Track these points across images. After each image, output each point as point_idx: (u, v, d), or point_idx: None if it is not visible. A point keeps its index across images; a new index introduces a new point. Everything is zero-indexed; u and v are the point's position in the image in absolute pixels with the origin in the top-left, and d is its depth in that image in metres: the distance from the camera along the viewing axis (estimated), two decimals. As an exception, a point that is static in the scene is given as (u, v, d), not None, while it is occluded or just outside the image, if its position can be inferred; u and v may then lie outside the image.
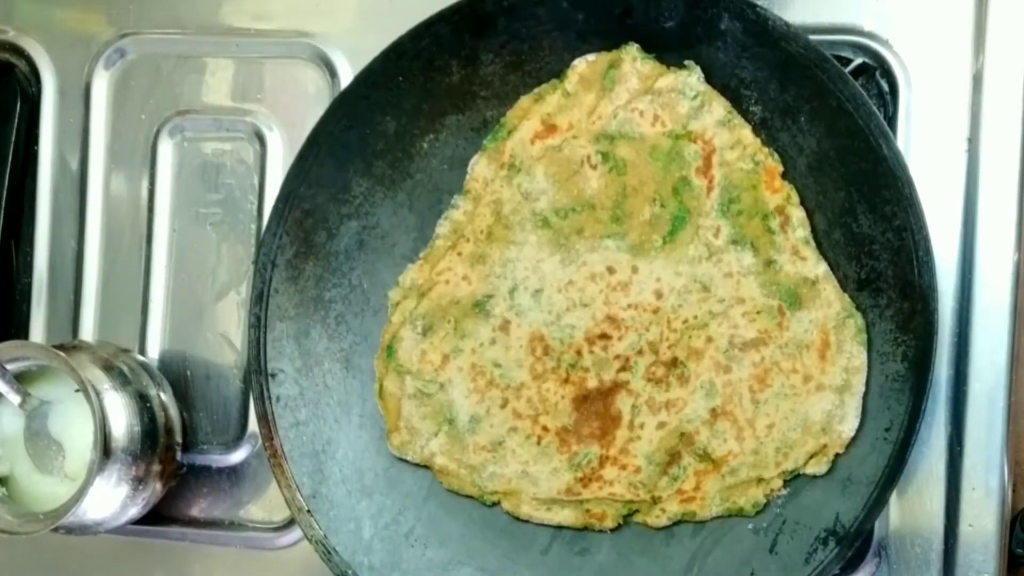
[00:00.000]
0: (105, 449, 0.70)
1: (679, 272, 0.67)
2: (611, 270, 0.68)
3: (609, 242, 0.68)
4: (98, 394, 0.70)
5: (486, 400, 0.69)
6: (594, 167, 0.68)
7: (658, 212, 0.68)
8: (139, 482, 0.72)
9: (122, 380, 0.72)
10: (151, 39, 0.80)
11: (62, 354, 0.70)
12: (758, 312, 0.66)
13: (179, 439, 0.75)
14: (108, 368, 0.72)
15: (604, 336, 0.68)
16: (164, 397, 0.75)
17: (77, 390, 0.70)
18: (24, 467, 0.73)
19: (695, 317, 0.67)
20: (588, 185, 0.68)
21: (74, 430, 0.72)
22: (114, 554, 0.79)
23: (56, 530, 0.70)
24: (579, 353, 0.68)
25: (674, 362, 0.67)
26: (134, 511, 0.74)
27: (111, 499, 0.71)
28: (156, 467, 0.73)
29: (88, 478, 0.69)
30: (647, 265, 0.68)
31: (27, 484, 0.73)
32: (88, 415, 0.70)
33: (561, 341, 0.68)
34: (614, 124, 0.68)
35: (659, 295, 0.67)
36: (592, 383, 0.68)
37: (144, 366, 0.76)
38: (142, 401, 0.73)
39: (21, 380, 0.73)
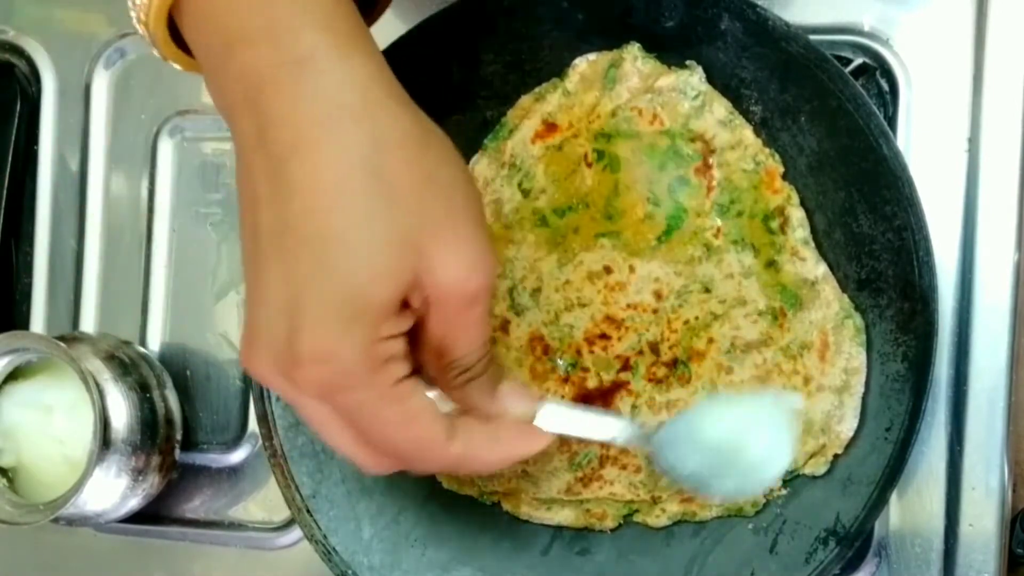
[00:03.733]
0: (105, 440, 0.70)
1: (678, 272, 0.67)
2: (608, 269, 0.68)
3: (604, 240, 0.68)
4: (98, 384, 0.70)
5: (486, 400, 0.69)
6: (590, 165, 0.68)
7: (651, 210, 0.67)
8: (139, 473, 0.72)
9: (122, 371, 0.73)
10: (151, 39, 0.80)
11: (62, 344, 0.70)
12: (759, 313, 0.66)
13: (179, 431, 0.76)
14: (108, 359, 0.72)
15: (604, 336, 0.68)
16: (164, 388, 0.75)
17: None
18: (29, 457, 0.73)
19: (696, 318, 0.67)
20: (584, 183, 0.68)
21: (76, 421, 0.72)
22: (114, 554, 0.79)
23: (56, 521, 0.70)
24: (579, 353, 0.68)
25: (675, 363, 0.67)
26: (134, 503, 0.74)
27: (111, 490, 0.71)
28: (156, 459, 0.73)
29: (88, 468, 0.69)
30: (644, 265, 0.67)
31: (33, 475, 0.73)
32: (89, 405, 0.70)
33: (560, 341, 0.68)
34: (613, 122, 0.68)
35: (659, 295, 0.67)
36: (592, 383, 0.68)
37: (144, 357, 0.76)
38: (142, 392, 0.73)
39: (22, 373, 0.73)
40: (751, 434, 0.57)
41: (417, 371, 0.52)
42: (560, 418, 0.57)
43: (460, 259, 0.49)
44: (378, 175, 0.48)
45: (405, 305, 0.49)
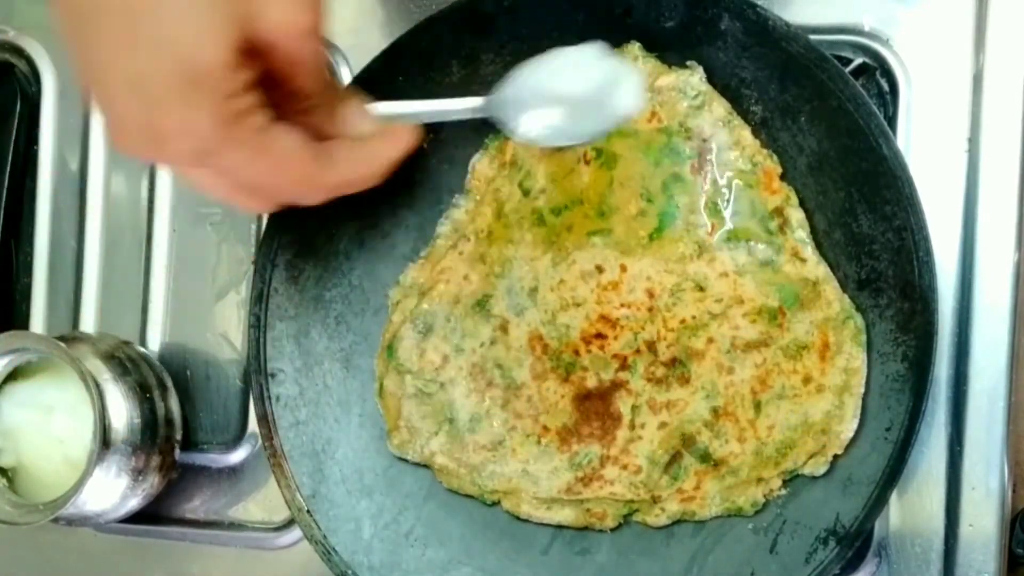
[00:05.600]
0: (104, 440, 0.70)
1: (669, 270, 0.67)
2: (600, 268, 0.68)
3: (596, 239, 0.68)
4: (98, 384, 0.70)
5: (486, 399, 0.69)
6: (587, 163, 0.68)
7: (644, 207, 0.67)
8: (139, 474, 0.72)
9: (122, 371, 0.72)
10: (151, 39, 0.80)
11: (61, 344, 0.70)
12: (758, 312, 0.66)
13: (179, 431, 0.76)
14: (108, 359, 0.72)
15: (600, 336, 0.68)
16: (164, 388, 0.75)
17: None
18: (29, 457, 0.73)
19: (693, 317, 0.67)
20: (580, 181, 0.68)
21: (77, 421, 0.72)
22: (114, 554, 0.79)
23: (56, 521, 0.70)
24: (577, 352, 0.68)
25: (674, 362, 0.67)
26: (134, 503, 0.74)
27: (111, 490, 0.71)
28: (156, 459, 0.73)
29: (87, 468, 0.69)
30: (635, 263, 0.67)
31: (33, 475, 0.73)
32: (89, 405, 0.70)
33: (559, 340, 0.68)
34: (611, 121, 0.68)
35: (651, 294, 0.67)
36: (591, 382, 0.68)
37: (144, 357, 0.76)
38: (142, 392, 0.73)
39: (22, 373, 0.73)
40: (597, 77, 0.64)
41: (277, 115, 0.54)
42: (400, 108, 0.62)
43: (291, 2, 0.51)
44: None
45: (251, 55, 0.50)
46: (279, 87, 0.53)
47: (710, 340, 0.66)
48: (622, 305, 0.67)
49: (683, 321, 0.67)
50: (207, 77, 0.48)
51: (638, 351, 0.67)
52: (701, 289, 0.67)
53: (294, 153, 0.54)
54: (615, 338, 0.67)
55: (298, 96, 0.55)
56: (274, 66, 0.52)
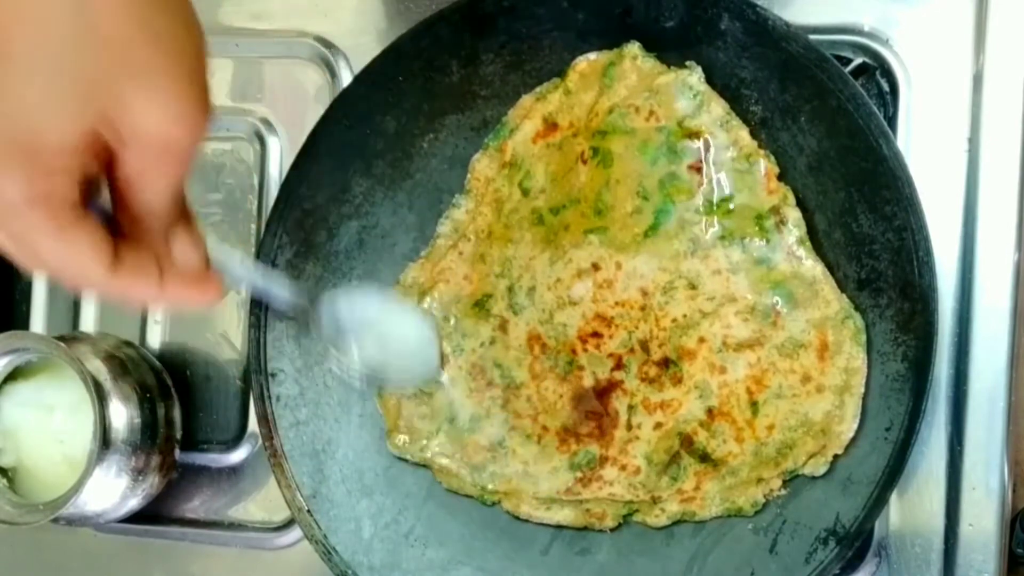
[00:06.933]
0: (104, 440, 0.70)
1: (663, 268, 0.67)
2: (596, 267, 0.68)
3: (592, 237, 0.68)
4: (98, 384, 0.70)
5: (486, 399, 0.69)
6: (585, 162, 0.68)
7: (640, 205, 0.67)
8: (139, 473, 0.72)
9: (122, 371, 0.72)
10: (151, 39, 0.79)
11: (61, 344, 0.70)
12: (751, 311, 0.66)
13: (179, 431, 0.76)
14: (108, 359, 0.72)
15: (596, 334, 0.68)
16: (164, 388, 0.75)
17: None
18: (29, 458, 0.73)
19: (684, 316, 0.67)
20: (578, 180, 0.68)
21: (77, 421, 0.72)
22: (114, 553, 0.79)
23: (56, 521, 0.70)
24: (574, 351, 0.68)
25: (666, 362, 0.67)
26: (134, 503, 0.74)
27: (111, 490, 0.71)
28: (156, 459, 0.73)
29: (87, 468, 0.69)
30: (630, 261, 0.67)
31: (33, 475, 0.73)
32: (89, 405, 0.70)
33: (556, 340, 0.68)
34: (609, 119, 0.68)
35: (645, 292, 0.67)
36: (588, 382, 0.68)
37: (144, 357, 0.76)
38: (142, 392, 0.73)
39: (22, 373, 0.73)
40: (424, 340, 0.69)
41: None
42: (230, 261, 0.59)
43: (163, 107, 0.48)
44: (83, 11, 0.46)
45: (100, 146, 0.48)
46: (116, 180, 0.51)
47: (701, 339, 0.66)
48: (616, 303, 0.67)
49: (675, 320, 0.67)
50: (37, 153, 0.46)
51: (632, 350, 0.67)
52: (693, 287, 0.67)
53: (85, 249, 0.50)
54: (610, 337, 0.67)
55: (130, 199, 0.51)
56: (123, 168, 0.49)
